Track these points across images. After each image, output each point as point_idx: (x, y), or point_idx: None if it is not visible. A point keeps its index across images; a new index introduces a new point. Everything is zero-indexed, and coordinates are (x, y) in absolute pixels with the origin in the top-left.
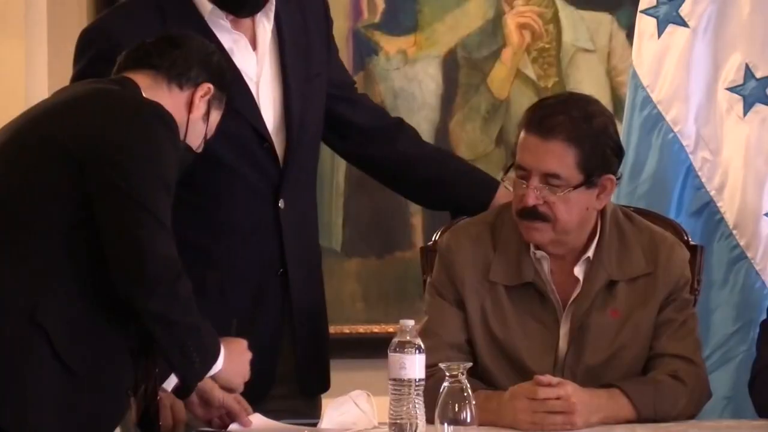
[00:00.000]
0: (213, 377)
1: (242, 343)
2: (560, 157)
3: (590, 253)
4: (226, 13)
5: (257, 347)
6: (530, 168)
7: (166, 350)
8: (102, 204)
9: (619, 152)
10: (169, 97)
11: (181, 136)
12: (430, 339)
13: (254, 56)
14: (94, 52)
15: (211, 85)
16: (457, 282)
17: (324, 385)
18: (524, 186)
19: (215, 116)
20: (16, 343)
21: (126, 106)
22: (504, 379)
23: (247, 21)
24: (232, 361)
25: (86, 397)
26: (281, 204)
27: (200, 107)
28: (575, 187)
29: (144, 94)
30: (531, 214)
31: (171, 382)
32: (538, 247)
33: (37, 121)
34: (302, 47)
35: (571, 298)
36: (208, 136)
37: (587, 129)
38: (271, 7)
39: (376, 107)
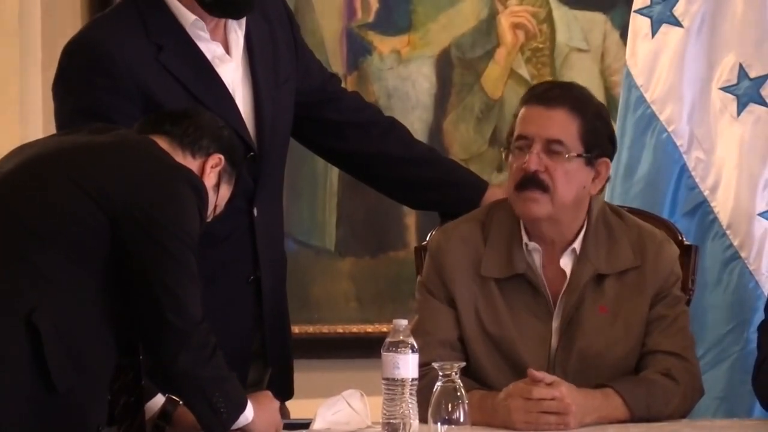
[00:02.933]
0: (244, 429)
1: (267, 394)
2: (564, 125)
3: (576, 244)
4: (214, 18)
5: (229, 354)
6: (533, 136)
7: (192, 404)
8: (139, 257)
9: (613, 141)
10: (183, 163)
11: None
12: (422, 338)
13: (231, 63)
14: (85, 63)
15: (222, 157)
16: (448, 280)
17: (289, 393)
18: (525, 153)
19: (225, 190)
20: (3, 341)
21: (161, 168)
22: (498, 373)
23: (220, 29)
24: (262, 412)
25: (57, 417)
26: (255, 212)
27: (211, 177)
28: (577, 156)
29: None
30: (531, 181)
31: (157, 402)
32: (530, 239)
33: (69, 158)
34: (269, 54)
35: (561, 292)
36: (218, 211)
37: (589, 105)
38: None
39: (367, 105)
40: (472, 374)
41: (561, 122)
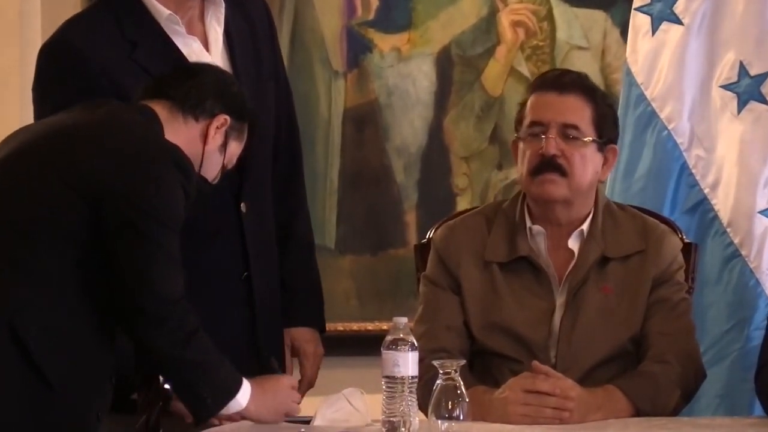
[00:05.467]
0: (241, 414)
1: (280, 380)
2: (578, 110)
3: (584, 227)
4: (184, 11)
5: (222, 351)
6: (548, 121)
7: (174, 386)
8: (115, 240)
9: (617, 126)
10: (184, 129)
11: (197, 168)
12: (427, 324)
13: (209, 59)
14: (60, 67)
15: (227, 117)
16: (453, 265)
17: None
18: (542, 138)
19: (234, 147)
20: None
21: (144, 147)
22: (502, 355)
23: (198, 25)
24: (262, 398)
25: (58, 412)
26: (243, 207)
27: (216, 139)
28: (591, 141)
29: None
30: (549, 165)
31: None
32: (534, 222)
33: (52, 146)
34: (251, 51)
35: (567, 271)
36: (228, 167)
37: (598, 91)
38: (221, 11)
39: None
40: (477, 359)
41: (575, 107)
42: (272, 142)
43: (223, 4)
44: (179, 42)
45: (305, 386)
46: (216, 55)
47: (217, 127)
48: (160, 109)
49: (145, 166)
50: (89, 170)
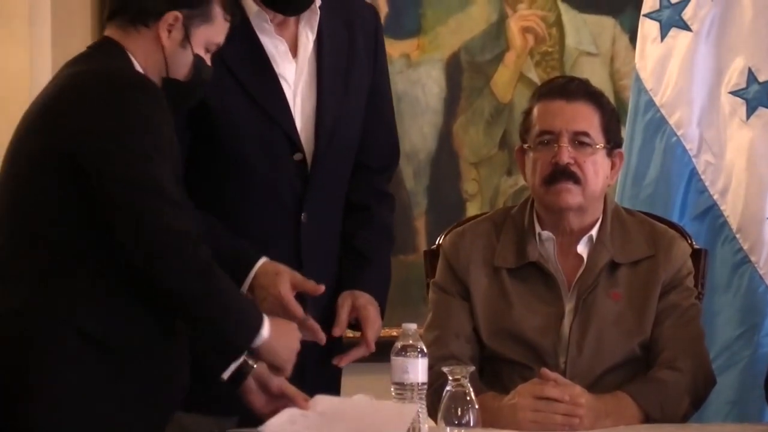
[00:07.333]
0: (258, 351)
1: (291, 323)
2: (588, 117)
3: (593, 232)
4: (274, 13)
5: None
6: (559, 130)
7: (195, 327)
8: (101, 196)
9: (620, 130)
10: (140, 39)
11: (164, 73)
12: (436, 331)
13: (294, 64)
14: None
15: (176, 13)
16: (462, 272)
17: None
18: (555, 147)
19: (204, 31)
20: (53, 348)
21: (99, 90)
22: (512, 362)
23: (290, 28)
24: (279, 333)
25: (129, 385)
26: (303, 217)
27: (173, 37)
28: (601, 148)
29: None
30: (563, 173)
31: (228, 371)
32: (543, 228)
33: (33, 126)
34: (343, 61)
35: (576, 277)
36: (210, 51)
37: (603, 97)
38: (315, 18)
39: (381, 215)
40: (487, 366)
41: (585, 114)
42: (353, 156)
43: (318, 12)
44: (266, 41)
45: (363, 350)
46: (302, 61)
47: (169, 27)
48: (114, 32)
49: (102, 110)
50: (64, 138)
